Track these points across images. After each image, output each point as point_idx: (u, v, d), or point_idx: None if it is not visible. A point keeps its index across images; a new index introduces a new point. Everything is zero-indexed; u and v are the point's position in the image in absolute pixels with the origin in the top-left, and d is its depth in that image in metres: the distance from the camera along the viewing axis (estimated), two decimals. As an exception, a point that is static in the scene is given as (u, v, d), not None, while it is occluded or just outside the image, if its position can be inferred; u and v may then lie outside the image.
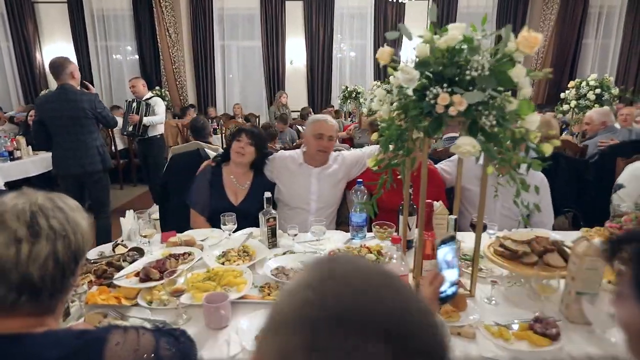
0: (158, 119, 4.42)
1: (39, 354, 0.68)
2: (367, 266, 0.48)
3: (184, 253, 1.53)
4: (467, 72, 1.06)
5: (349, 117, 6.13)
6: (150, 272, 1.36)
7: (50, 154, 4.41)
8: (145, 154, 4.52)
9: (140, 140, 4.49)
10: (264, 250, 1.62)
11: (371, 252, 1.59)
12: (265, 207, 1.66)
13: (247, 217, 2.13)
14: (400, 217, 1.61)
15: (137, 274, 1.40)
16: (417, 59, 1.12)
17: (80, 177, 3.05)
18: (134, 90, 4.42)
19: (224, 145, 5.79)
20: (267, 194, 1.67)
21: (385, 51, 1.26)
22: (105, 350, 0.71)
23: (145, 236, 1.62)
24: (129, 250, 1.57)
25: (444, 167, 2.25)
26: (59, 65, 2.88)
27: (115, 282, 1.34)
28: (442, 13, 7.91)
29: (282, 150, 2.38)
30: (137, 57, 7.82)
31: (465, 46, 1.09)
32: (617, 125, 3.71)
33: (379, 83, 3.90)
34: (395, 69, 1.37)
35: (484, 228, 1.57)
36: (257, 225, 1.84)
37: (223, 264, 1.50)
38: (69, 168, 2.98)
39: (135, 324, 1.10)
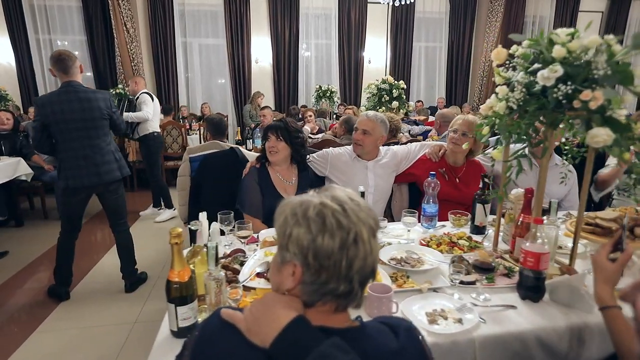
0: (140, 115, 4.11)
1: (384, 345, 0.69)
2: None
3: (293, 251, 1.52)
4: (595, 71, 1.22)
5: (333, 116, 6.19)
6: (279, 271, 1.34)
7: (12, 160, 3.94)
8: (144, 155, 4.24)
9: (138, 139, 4.21)
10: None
11: (460, 239, 1.71)
12: (359, 201, 1.70)
13: None
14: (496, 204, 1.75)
15: (257, 275, 1.38)
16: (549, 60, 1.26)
17: (95, 189, 2.68)
18: (130, 87, 4.17)
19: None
20: (361, 188, 1.71)
21: (502, 52, 1.39)
22: (417, 335, 0.74)
23: (243, 237, 1.57)
24: (233, 252, 1.52)
25: (483, 159, 2.45)
26: (67, 58, 2.52)
27: (248, 284, 1.31)
28: (400, 16, 8.35)
29: (332, 148, 2.41)
30: (87, 53, 7.17)
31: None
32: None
33: (377, 82, 4.02)
34: (511, 63, 1.50)
35: (547, 212, 1.76)
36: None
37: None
38: (82, 179, 2.56)
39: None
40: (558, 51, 1.22)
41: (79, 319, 2.51)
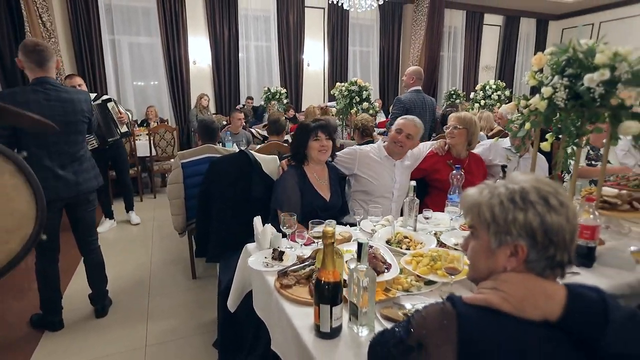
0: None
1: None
2: None
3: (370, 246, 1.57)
4: (624, 73, 1.50)
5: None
6: (377, 265, 1.39)
7: None
8: (116, 159, 3.79)
9: (111, 144, 3.77)
10: (415, 235, 1.77)
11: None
12: (412, 195, 1.81)
13: (339, 211, 2.18)
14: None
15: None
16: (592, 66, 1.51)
17: (70, 200, 2.31)
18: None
19: (154, 153, 5.16)
20: (413, 183, 1.82)
21: (542, 58, 1.62)
22: None
23: (317, 238, 1.57)
24: (310, 256, 1.51)
25: (479, 151, 2.74)
26: (45, 50, 2.15)
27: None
28: (336, 21, 8.67)
29: (360, 145, 2.49)
30: (-11, 48, 6.09)
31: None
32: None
33: (344, 84, 4.15)
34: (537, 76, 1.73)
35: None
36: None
37: (408, 249, 1.61)
38: (58, 190, 2.19)
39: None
40: (600, 58, 1.48)
41: (77, 352, 2.19)
